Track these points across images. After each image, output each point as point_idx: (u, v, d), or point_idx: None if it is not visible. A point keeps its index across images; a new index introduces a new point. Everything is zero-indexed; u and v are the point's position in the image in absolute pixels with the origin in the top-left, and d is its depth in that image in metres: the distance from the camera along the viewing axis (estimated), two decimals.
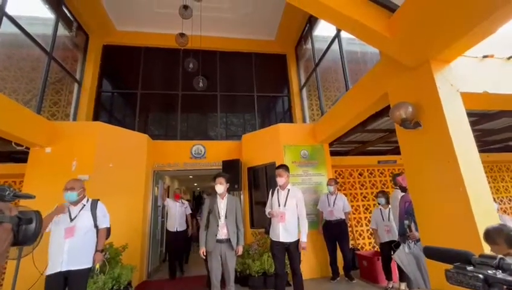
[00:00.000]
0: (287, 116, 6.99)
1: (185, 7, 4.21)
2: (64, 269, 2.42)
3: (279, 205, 3.21)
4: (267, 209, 3.37)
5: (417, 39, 2.33)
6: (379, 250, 4.17)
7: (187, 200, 6.80)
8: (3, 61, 5.15)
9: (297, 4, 2.72)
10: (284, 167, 3.33)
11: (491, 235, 1.43)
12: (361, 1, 2.58)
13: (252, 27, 6.67)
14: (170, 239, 5.06)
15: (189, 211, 5.34)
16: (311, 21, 6.04)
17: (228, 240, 2.94)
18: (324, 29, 5.66)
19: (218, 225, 2.98)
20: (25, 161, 4.10)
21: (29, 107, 4.11)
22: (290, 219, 3.13)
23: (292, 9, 5.64)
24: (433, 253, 0.73)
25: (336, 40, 4.84)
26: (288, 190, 3.25)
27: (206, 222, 3.05)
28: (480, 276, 0.59)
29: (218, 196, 3.13)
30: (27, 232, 0.69)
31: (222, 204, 3.08)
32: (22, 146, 3.94)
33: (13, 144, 3.79)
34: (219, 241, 2.94)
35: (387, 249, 3.87)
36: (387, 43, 2.58)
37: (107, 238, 2.85)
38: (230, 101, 7.02)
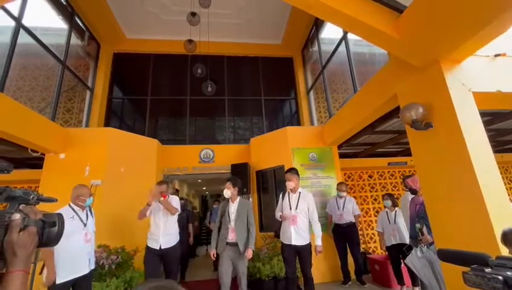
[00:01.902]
0: (295, 119, 6.98)
1: (193, 14, 4.29)
2: (87, 271, 2.57)
3: (290, 208, 3.22)
4: (278, 213, 3.38)
5: (426, 40, 2.31)
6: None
7: (181, 198, 5.52)
8: (20, 70, 5.35)
9: (303, 7, 2.74)
10: (293, 171, 3.34)
11: (509, 237, 1.39)
12: (367, 2, 2.58)
13: (259, 31, 6.73)
14: (148, 261, 3.23)
15: (177, 207, 3.42)
16: (318, 24, 6.05)
17: (236, 244, 2.96)
18: (331, 32, 5.66)
19: (227, 229, 3.02)
20: (40, 166, 4.23)
21: (44, 114, 4.25)
22: (301, 222, 3.15)
23: (298, 13, 5.67)
24: (448, 256, 0.72)
25: (343, 42, 4.84)
26: (299, 193, 3.27)
27: (218, 224, 3.12)
28: (500, 278, 0.58)
29: (229, 200, 3.17)
30: (50, 234, 0.71)
31: (232, 208, 3.11)
32: (38, 152, 4.06)
33: (29, 150, 3.92)
34: (228, 244, 2.98)
35: (395, 252, 3.80)
36: (396, 44, 2.57)
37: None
38: (238, 105, 7.07)
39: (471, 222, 2.10)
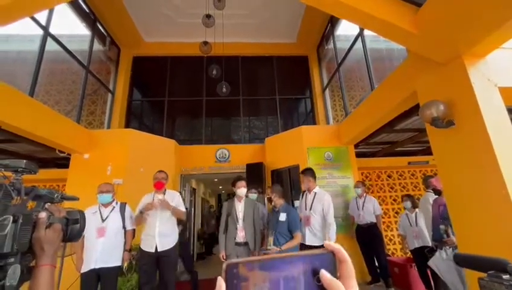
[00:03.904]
0: (310, 118, 6.90)
1: (208, 16, 4.35)
2: (97, 266, 2.61)
3: (305, 208, 3.22)
4: (298, 213, 3.37)
5: (447, 34, 2.20)
6: (412, 257, 3.96)
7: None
8: (48, 76, 5.69)
9: (317, 6, 2.70)
10: (306, 172, 3.33)
11: None
12: None
13: (273, 31, 6.72)
14: (142, 268, 2.90)
15: (183, 209, 3.05)
16: (333, 21, 5.93)
17: (246, 243, 2.96)
18: (347, 28, 5.54)
19: (236, 228, 3.01)
20: (66, 166, 4.48)
21: (70, 117, 4.50)
22: (315, 222, 3.12)
23: (313, 11, 5.59)
24: (464, 261, 0.69)
25: (359, 39, 4.72)
26: (315, 193, 3.24)
27: (224, 225, 3.10)
28: None
29: (236, 199, 3.18)
30: (73, 230, 0.76)
31: (240, 207, 3.12)
32: (65, 153, 4.30)
33: (57, 151, 4.16)
34: (237, 244, 2.96)
35: (419, 256, 3.65)
36: (415, 40, 2.47)
37: (132, 239, 3.02)
38: (253, 105, 7.10)
39: (497, 224, 1.99)
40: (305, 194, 3.34)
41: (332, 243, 0.32)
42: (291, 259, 0.30)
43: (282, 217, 2.96)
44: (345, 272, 0.31)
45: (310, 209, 3.17)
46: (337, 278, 0.30)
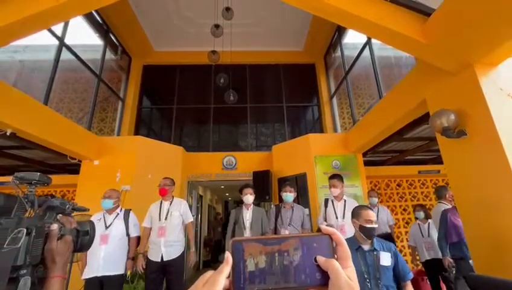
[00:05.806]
0: (317, 126, 6.87)
1: (216, 26, 4.43)
2: (100, 274, 2.59)
3: (336, 217, 3.10)
4: (321, 221, 3.29)
5: (457, 43, 2.18)
6: (423, 269, 3.83)
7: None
8: (61, 84, 5.87)
9: (324, 16, 2.72)
10: (338, 177, 3.25)
11: None
12: (391, 7, 2.50)
13: (280, 39, 6.78)
14: (148, 277, 2.89)
15: (190, 218, 3.15)
16: (340, 29, 5.95)
17: None
18: (354, 36, 5.55)
19: (244, 236, 2.99)
20: (77, 172, 4.56)
21: (81, 124, 4.61)
22: (349, 231, 3.08)
23: (320, 20, 5.62)
24: (478, 283, 0.67)
25: (367, 47, 4.71)
26: (345, 201, 3.16)
27: (231, 233, 3.09)
28: None
29: (243, 206, 3.17)
30: (83, 241, 0.77)
31: (248, 215, 3.11)
32: (75, 159, 4.40)
33: (68, 157, 4.26)
34: None
35: (432, 268, 3.53)
36: (424, 49, 2.45)
37: (136, 247, 2.99)
38: (260, 112, 7.13)
39: None
40: (331, 202, 3.23)
41: (327, 227, 0.37)
42: (288, 239, 0.35)
43: (385, 259, 1.85)
44: (341, 254, 0.36)
45: (343, 218, 3.05)
46: (336, 259, 0.35)
